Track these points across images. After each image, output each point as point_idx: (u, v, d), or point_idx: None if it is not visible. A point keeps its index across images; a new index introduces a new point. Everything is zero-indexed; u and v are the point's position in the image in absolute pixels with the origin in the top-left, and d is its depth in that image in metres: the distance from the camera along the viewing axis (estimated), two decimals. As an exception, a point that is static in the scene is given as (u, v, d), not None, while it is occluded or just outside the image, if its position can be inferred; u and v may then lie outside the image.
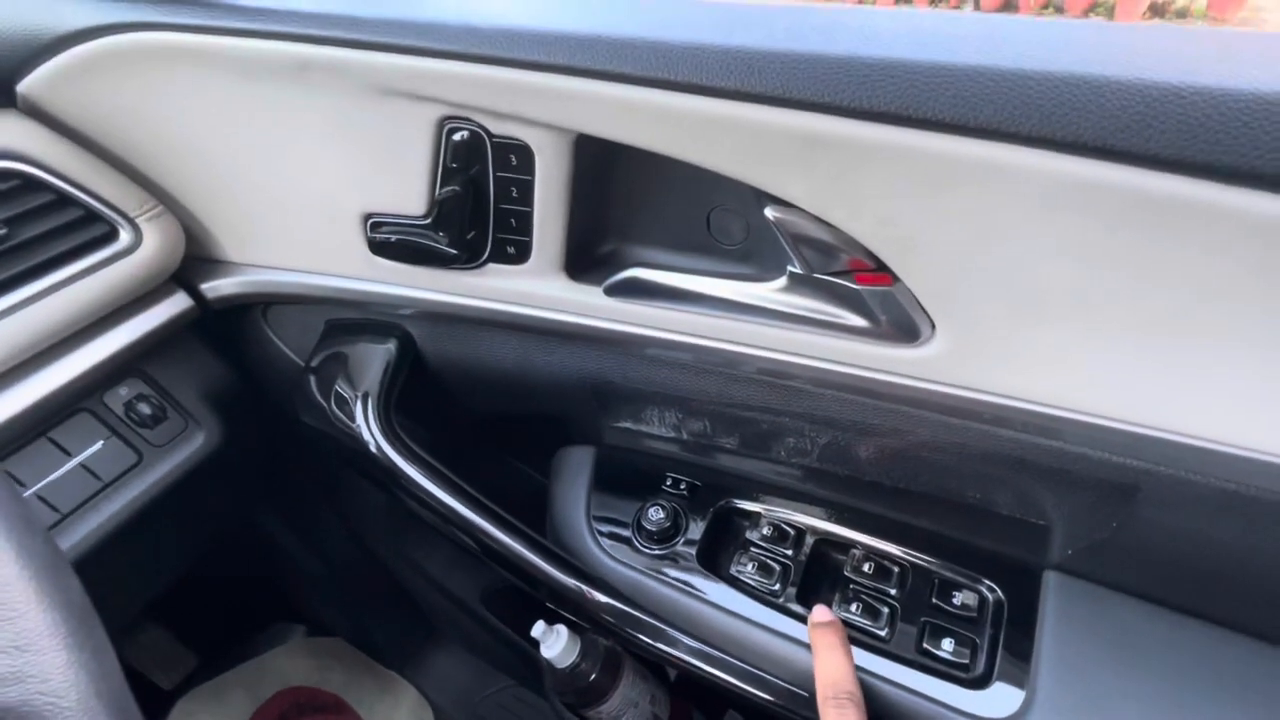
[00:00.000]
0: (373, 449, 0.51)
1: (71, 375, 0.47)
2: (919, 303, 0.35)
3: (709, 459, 0.55)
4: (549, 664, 0.58)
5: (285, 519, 0.86)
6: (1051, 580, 0.45)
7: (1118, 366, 0.33)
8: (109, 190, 0.48)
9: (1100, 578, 0.44)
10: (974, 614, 0.45)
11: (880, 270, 0.35)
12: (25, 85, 0.45)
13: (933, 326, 0.36)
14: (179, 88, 0.44)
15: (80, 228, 0.47)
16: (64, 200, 0.46)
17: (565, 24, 0.35)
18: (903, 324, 0.36)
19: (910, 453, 0.43)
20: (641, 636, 0.50)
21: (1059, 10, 6.17)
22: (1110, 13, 5.88)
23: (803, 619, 0.47)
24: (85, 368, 0.47)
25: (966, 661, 0.43)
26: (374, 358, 0.53)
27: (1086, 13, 6.06)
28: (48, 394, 0.45)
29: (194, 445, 0.55)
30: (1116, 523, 0.39)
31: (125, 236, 0.49)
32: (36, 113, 0.46)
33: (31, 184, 0.45)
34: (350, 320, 0.55)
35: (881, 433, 0.42)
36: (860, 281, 0.36)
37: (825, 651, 0.41)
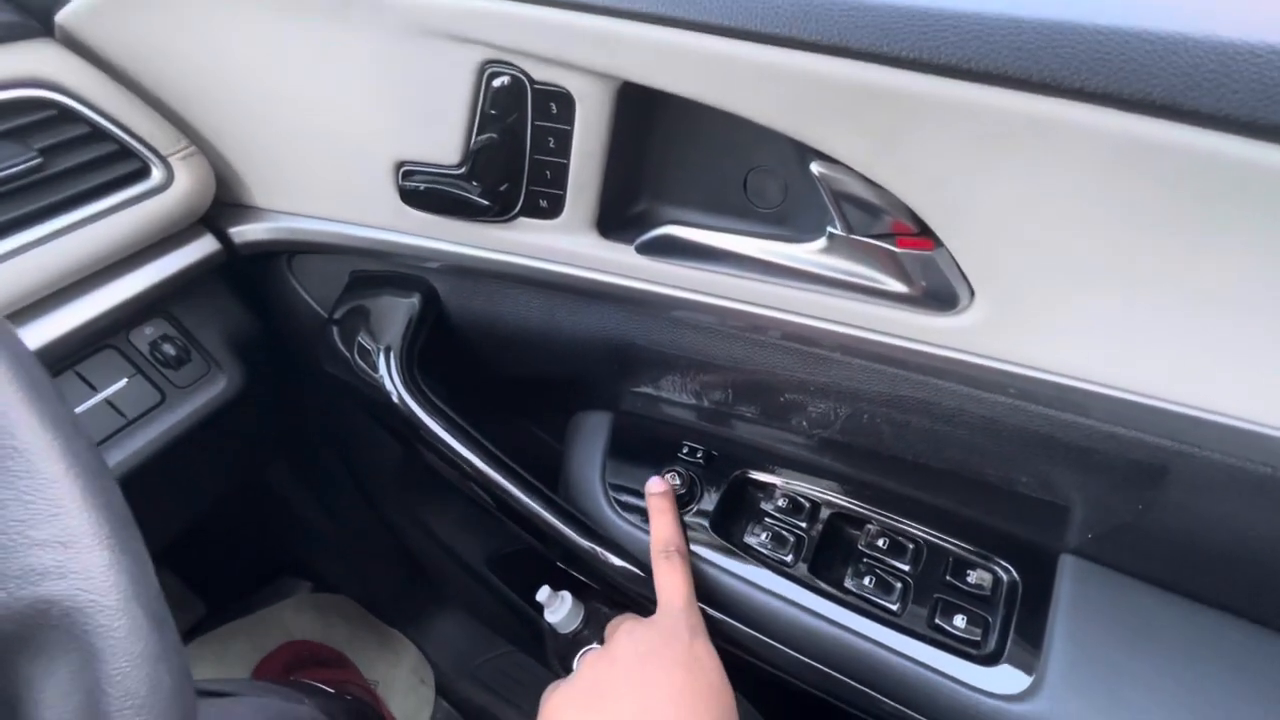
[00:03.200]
0: (395, 400, 0.51)
1: (99, 310, 0.47)
2: (960, 269, 0.35)
3: (727, 428, 0.54)
4: (552, 629, 0.58)
5: (298, 475, 0.87)
6: (1067, 563, 0.45)
7: (1160, 340, 0.32)
8: (143, 126, 0.48)
9: (1118, 562, 0.43)
10: (987, 593, 0.45)
11: (923, 234, 0.34)
12: (64, 15, 0.45)
13: (972, 294, 0.35)
14: (216, 23, 0.43)
15: (113, 163, 0.47)
16: (98, 134, 0.46)
17: None
18: (941, 291, 0.36)
19: (936, 427, 0.42)
20: (652, 599, 0.50)
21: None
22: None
23: (817, 590, 0.47)
24: (112, 304, 0.48)
25: (978, 639, 0.43)
26: (398, 311, 0.53)
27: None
28: (75, 327, 0.46)
29: (216, 389, 0.55)
30: (1142, 505, 0.39)
31: (157, 175, 0.49)
32: (74, 44, 0.46)
33: (67, 115, 0.45)
34: (375, 273, 0.55)
35: (908, 405, 0.42)
36: (902, 245, 0.35)
37: (656, 515, 0.49)
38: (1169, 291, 0.31)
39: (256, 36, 0.43)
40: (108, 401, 0.49)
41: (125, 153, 0.47)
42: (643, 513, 0.53)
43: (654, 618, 0.44)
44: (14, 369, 0.21)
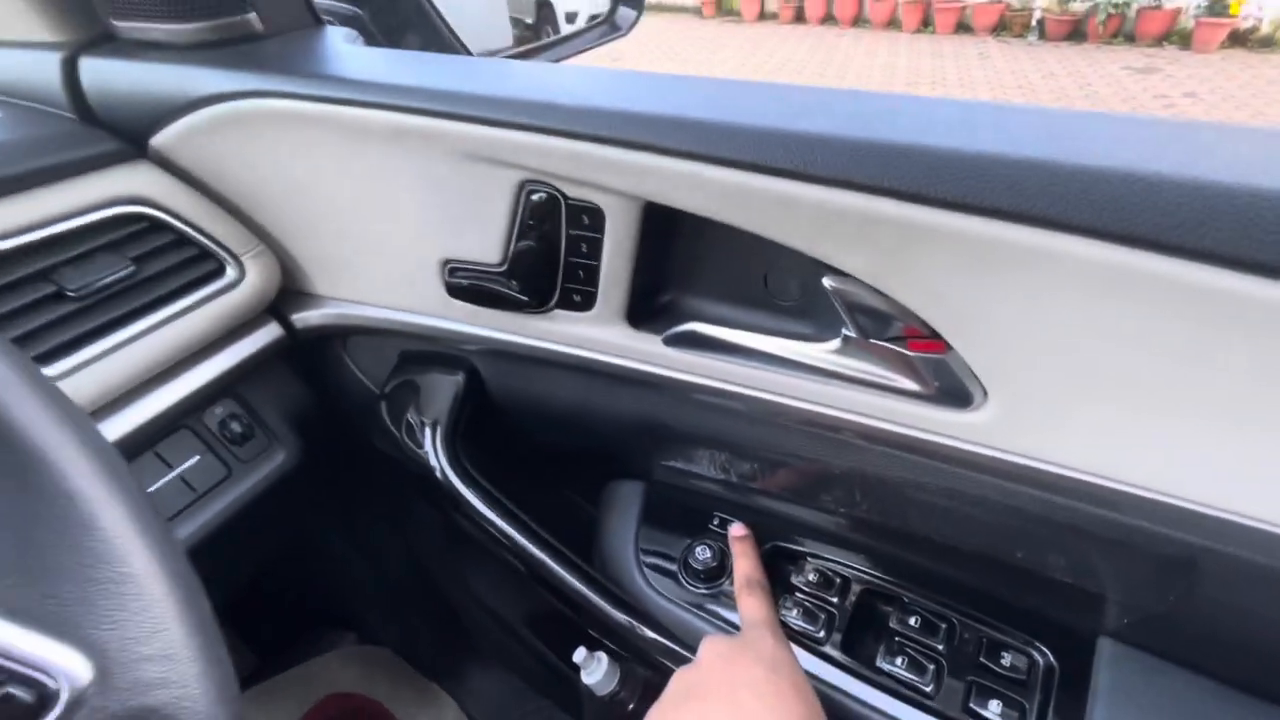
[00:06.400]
0: (439, 475, 0.54)
1: (179, 397, 0.52)
2: (971, 370, 0.36)
3: (757, 502, 0.56)
4: (588, 690, 0.59)
5: (348, 533, 0.91)
6: (1105, 647, 0.44)
7: (1170, 445, 0.33)
8: (221, 231, 0.53)
9: (1156, 648, 0.43)
10: (1023, 677, 0.45)
11: (933, 338, 0.36)
12: (157, 139, 0.51)
13: (985, 393, 0.37)
14: (288, 145, 0.49)
15: (194, 264, 0.52)
16: (182, 240, 0.52)
17: (640, 103, 0.38)
18: (955, 390, 0.37)
19: (961, 511, 0.43)
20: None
21: (1130, 39, 5.99)
22: (1186, 40, 5.69)
23: (848, 670, 0.47)
24: (190, 390, 0.52)
25: None
26: (444, 389, 0.57)
27: (1160, 40, 5.87)
28: (158, 414, 0.50)
29: (276, 461, 0.60)
30: (1174, 596, 0.38)
31: (231, 273, 0.54)
32: (164, 163, 0.52)
33: (156, 226, 0.51)
34: (423, 352, 0.59)
35: (932, 490, 0.43)
36: (914, 348, 0.37)
37: (739, 557, 0.52)
38: (1172, 401, 0.31)
39: (323, 156, 0.48)
40: (181, 477, 0.54)
41: (204, 255, 0.53)
42: (674, 579, 0.55)
43: (738, 634, 0.46)
44: (131, 506, 0.25)
